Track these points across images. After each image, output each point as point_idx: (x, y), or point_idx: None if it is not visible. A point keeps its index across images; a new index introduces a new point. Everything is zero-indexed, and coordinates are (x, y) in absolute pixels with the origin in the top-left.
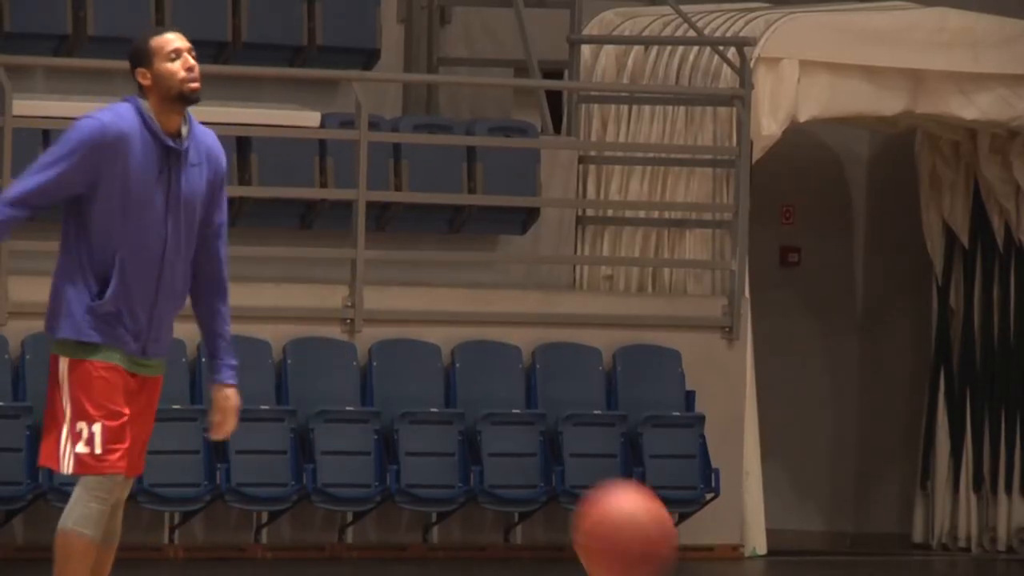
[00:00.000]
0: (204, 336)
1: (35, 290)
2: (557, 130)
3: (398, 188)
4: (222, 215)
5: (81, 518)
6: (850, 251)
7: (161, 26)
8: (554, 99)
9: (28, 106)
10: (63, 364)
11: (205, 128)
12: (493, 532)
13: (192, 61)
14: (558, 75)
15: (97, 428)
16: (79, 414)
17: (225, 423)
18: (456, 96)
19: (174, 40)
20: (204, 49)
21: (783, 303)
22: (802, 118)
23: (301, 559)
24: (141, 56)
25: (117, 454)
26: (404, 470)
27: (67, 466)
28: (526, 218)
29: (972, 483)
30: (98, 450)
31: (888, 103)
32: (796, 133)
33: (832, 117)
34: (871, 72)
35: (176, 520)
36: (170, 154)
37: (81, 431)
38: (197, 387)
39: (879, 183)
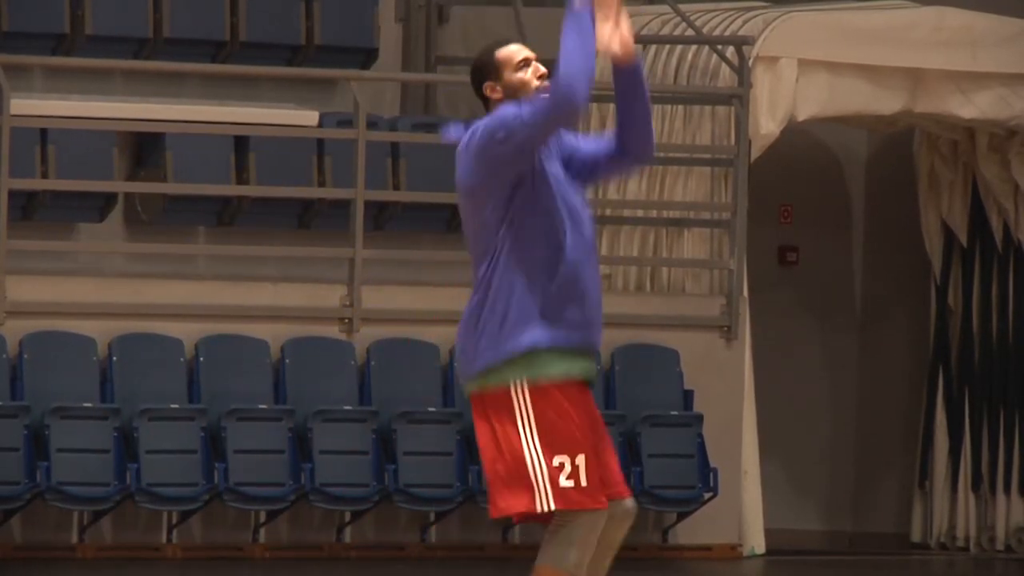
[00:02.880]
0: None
1: (34, 290)
2: None
3: (396, 187)
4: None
5: (573, 562)
6: (849, 250)
7: (500, 39)
8: None
9: (26, 105)
10: (520, 390)
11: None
12: (491, 531)
13: (543, 69)
14: None
15: (581, 460)
16: (554, 446)
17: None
18: (454, 95)
19: (521, 50)
20: (202, 48)
21: (781, 302)
22: (800, 117)
23: (299, 559)
24: (488, 70)
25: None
26: (402, 469)
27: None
28: None
29: (970, 483)
30: (584, 482)
31: (886, 102)
32: (794, 132)
33: (830, 116)
34: (870, 71)
35: (174, 520)
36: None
37: (562, 464)
38: (195, 386)
39: (877, 182)
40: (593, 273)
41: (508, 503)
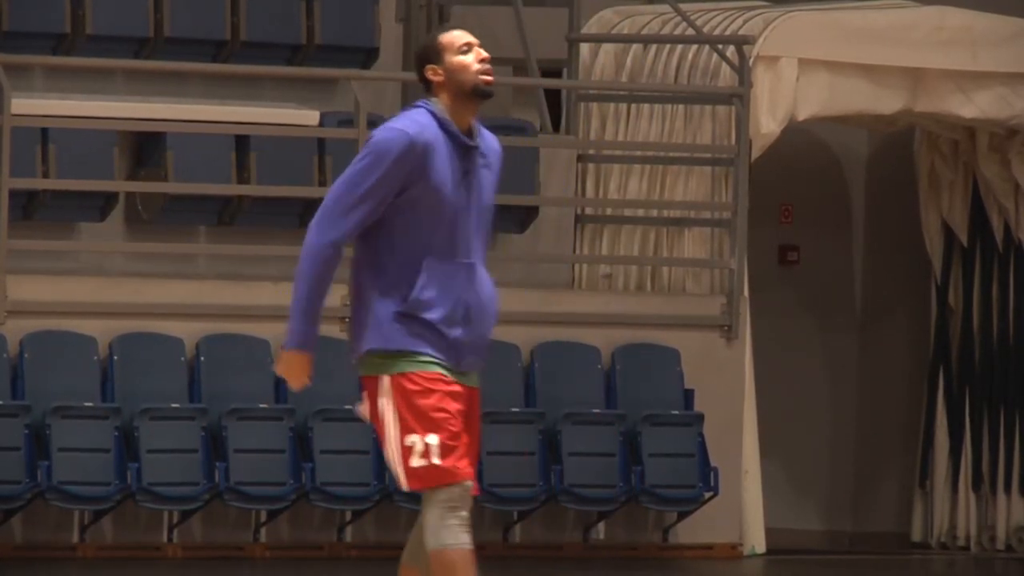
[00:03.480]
0: None
1: (34, 289)
2: (556, 129)
3: None
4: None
5: (442, 532)
6: (849, 250)
7: (446, 26)
8: (553, 98)
9: (27, 105)
10: (384, 381)
11: (483, 126)
12: (492, 531)
13: (485, 54)
14: (557, 74)
15: (434, 439)
16: (409, 427)
17: None
18: None
19: (464, 35)
20: (202, 48)
21: (782, 302)
22: (801, 117)
23: (300, 558)
24: (431, 53)
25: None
26: None
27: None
28: (525, 217)
29: (971, 482)
30: (435, 460)
31: (887, 102)
32: (795, 132)
33: (831, 116)
34: (870, 71)
35: (175, 519)
36: (470, 154)
37: (413, 444)
38: (196, 386)
39: (878, 182)
40: (466, 294)
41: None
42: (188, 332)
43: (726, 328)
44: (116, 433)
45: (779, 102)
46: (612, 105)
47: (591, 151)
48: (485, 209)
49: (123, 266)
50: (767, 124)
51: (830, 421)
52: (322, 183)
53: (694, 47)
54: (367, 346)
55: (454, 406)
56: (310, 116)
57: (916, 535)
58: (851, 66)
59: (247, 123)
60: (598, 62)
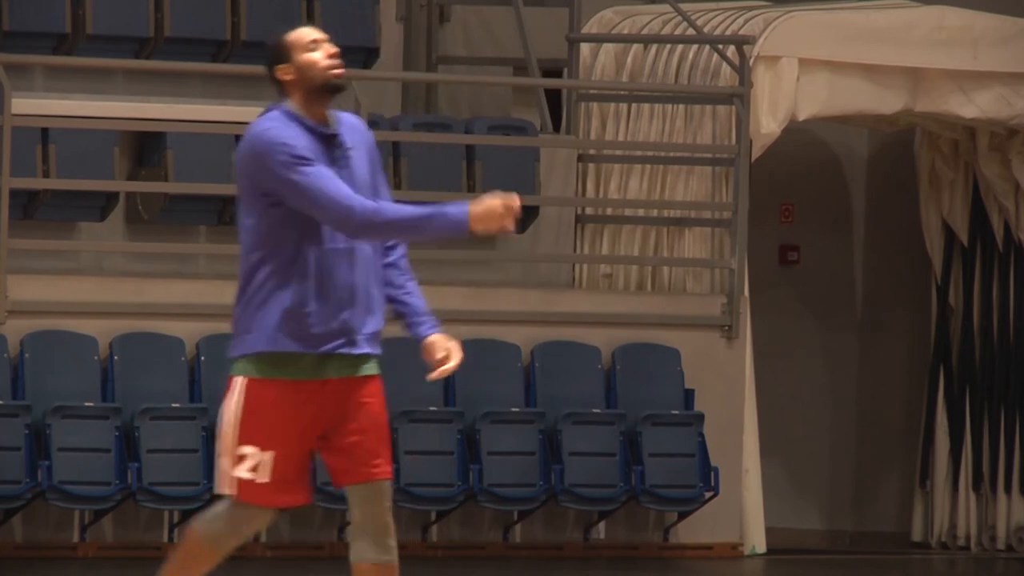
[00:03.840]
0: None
1: (34, 289)
2: (556, 128)
3: (397, 186)
4: (384, 185)
5: (214, 531)
6: (849, 250)
7: (292, 25)
8: (553, 97)
9: (27, 105)
10: (238, 384)
11: (340, 112)
12: (492, 531)
13: (333, 48)
14: (557, 73)
15: (268, 457)
16: (246, 437)
17: (452, 354)
18: (455, 95)
19: (311, 32)
20: (202, 48)
21: (782, 302)
22: (801, 116)
23: (301, 558)
24: (279, 52)
25: (277, 485)
26: (403, 469)
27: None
28: (525, 216)
29: (971, 482)
30: (262, 479)
31: (887, 101)
32: (795, 131)
33: (831, 115)
34: (870, 70)
35: (175, 519)
36: (332, 144)
37: (244, 456)
38: (196, 386)
39: (878, 182)
40: (347, 289)
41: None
42: (188, 332)
43: (726, 328)
44: (116, 433)
45: (779, 102)
46: (612, 105)
47: (591, 151)
48: (364, 187)
49: (123, 266)
50: (767, 124)
51: (830, 421)
52: None
53: (694, 47)
54: (238, 351)
55: (303, 422)
56: None
57: (916, 535)
58: (851, 66)
59: (247, 123)
60: (598, 62)
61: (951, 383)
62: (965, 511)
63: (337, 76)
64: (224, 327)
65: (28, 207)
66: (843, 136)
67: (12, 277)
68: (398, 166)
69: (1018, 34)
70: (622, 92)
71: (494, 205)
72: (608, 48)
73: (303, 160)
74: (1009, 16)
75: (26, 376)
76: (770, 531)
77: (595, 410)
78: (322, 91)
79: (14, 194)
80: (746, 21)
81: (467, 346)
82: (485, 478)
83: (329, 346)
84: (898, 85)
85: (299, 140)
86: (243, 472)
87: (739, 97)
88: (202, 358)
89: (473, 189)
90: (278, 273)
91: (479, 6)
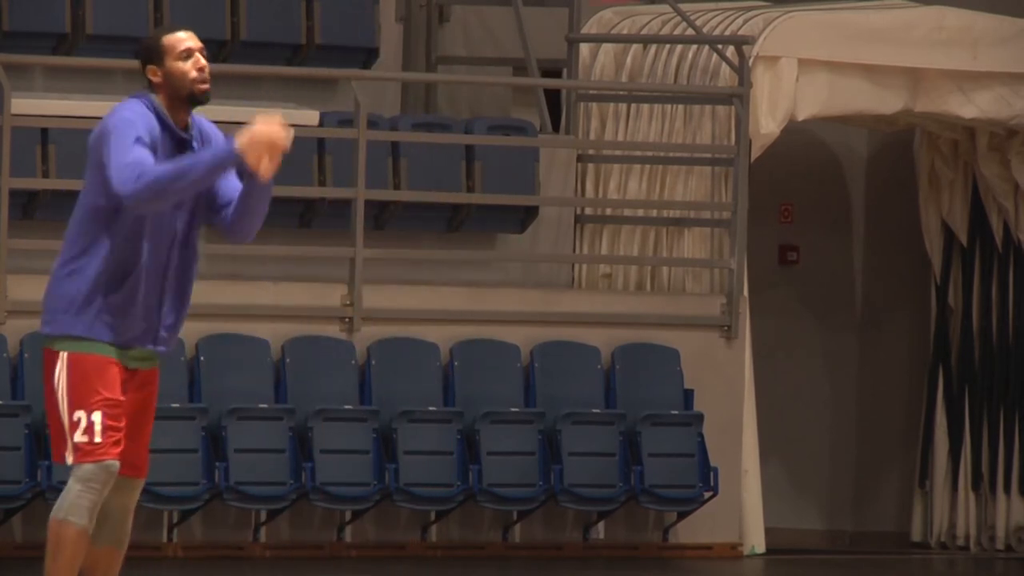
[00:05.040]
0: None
1: (34, 289)
2: (556, 129)
3: (397, 187)
4: (228, 187)
5: (74, 507)
6: (849, 250)
7: (173, 24)
8: (553, 98)
9: (27, 105)
10: (61, 358)
11: (197, 116)
12: (492, 531)
13: (203, 61)
14: (557, 74)
15: (97, 416)
16: (77, 403)
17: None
18: (455, 95)
19: (186, 39)
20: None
21: (782, 302)
22: (801, 117)
23: (300, 558)
24: (152, 53)
25: (112, 440)
26: (403, 469)
27: (69, 457)
28: (525, 217)
29: (971, 482)
30: (97, 439)
31: (887, 102)
32: (795, 132)
33: (831, 116)
34: (870, 71)
35: (175, 519)
36: (183, 146)
37: (79, 420)
38: (196, 386)
39: (878, 182)
40: (158, 287)
41: (55, 452)
42: (188, 332)
43: (726, 328)
44: None
45: (779, 102)
46: (612, 105)
47: (591, 151)
48: (203, 195)
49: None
50: (767, 124)
51: (830, 421)
52: (322, 183)
53: (694, 47)
54: (52, 330)
55: (118, 391)
56: (310, 116)
57: (916, 535)
58: (851, 66)
59: (247, 123)
60: (598, 62)
61: (950, 383)
62: (964, 511)
63: (201, 91)
64: (221, 327)
65: (28, 207)
66: (843, 136)
67: (12, 277)
68: (398, 166)
69: (1018, 34)
70: (621, 92)
71: (260, 131)
72: (607, 48)
73: (135, 135)
74: (1009, 16)
75: (26, 376)
76: (770, 531)
77: (595, 410)
78: (185, 101)
79: (14, 194)
80: (745, 21)
81: (467, 346)
82: (485, 478)
83: (133, 339)
84: (898, 85)
85: (145, 123)
86: (79, 436)
87: (738, 97)
88: (201, 358)
89: (473, 189)
90: (96, 259)
91: (479, 6)
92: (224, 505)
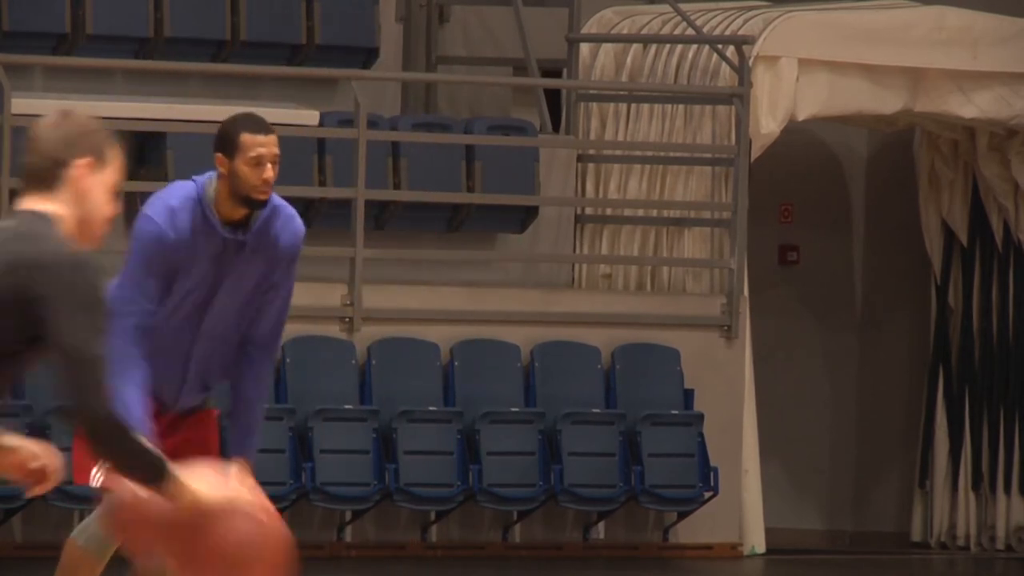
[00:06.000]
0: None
1: None
2: (556, 129)
3: (397, 187)
4: (280, 299)
5: (93, 538)
6: (849, 250)
7: (253, 116)
8: (553, 98)
9: (27, 105)
10: None
11: (284, 208)
12: (492, 531)
13: (271, 172)
14: (557, 74)
15: None
16: None
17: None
18: (455, 95)
19: (263, 145)
20: (202, 48)
21: (782, 302)
22: (801, 116)
23: (300, 557)
24: (226, 144)
25: None
26: (403, 469)
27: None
28: (525, 217)
29: (971, 482)
30: None
31: (887, 102)
32: (795, 132)
33: (831, 115)
34: (870, 71)
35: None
36: (225, 244)
37: None
38: None
39: (878, 182)
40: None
41: (80, 474)
42: None
43: (726, 328)
44: None
45: (779, 102)
46: (612, 105)
47: (591, 151)
48: (236, 295)
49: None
50: (767, 124)
51: (830, 421)
52: (322, 183)
53: (694, 47)
54: None
55: (151, 422)
56: (310, 116)
57: (916, 535)
58: (851, 66)
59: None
60: (598, 62)
61: (950, 383)
62: (964, 511)
63: (259, 200)
64: None
65: None
66: (843, 136)
67: None
68: (398, 166)
69: (1018, 34)
70: (622, 92)
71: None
72: (608, 48)
73: (141, 261)
74: (1009, 16)
75: (25, 376)
76: (770, 531)
77: (595, 410)
78: (241, 201)
79: (14, 194)
80: (745, 21)
81: (467, 346)
82: (485, 478)
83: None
84: (898, 85)
85: (172, 238)
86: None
87: (739, 97)
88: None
89: (472, 189)
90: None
91: (479, 6)
92: None
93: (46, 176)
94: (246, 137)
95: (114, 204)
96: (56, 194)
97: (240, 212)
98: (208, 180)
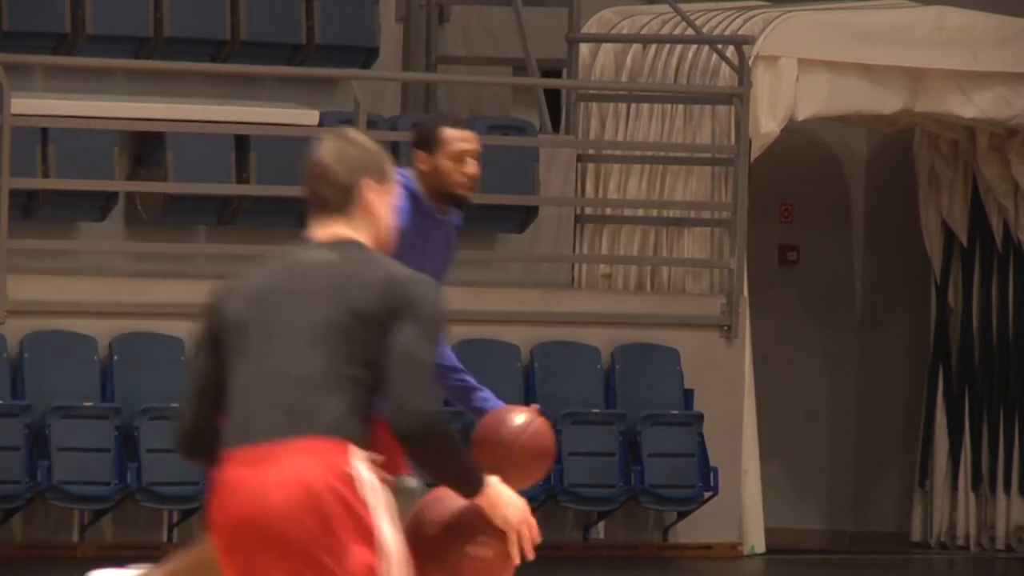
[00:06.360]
0: None
1: (34, 289)
2: (555, 129)
3: None
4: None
5: None
6: (849, 250)
7: (454, 115)
8: (552, 97)
9: (27, 105)
10: None
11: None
12: None
13: (474, 168)
14: (556, 73)
15: None
16: None
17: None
18: (455, 95)
19: (465, 140)
20: (202, 48)
21: (782, 302)
22: (801, 116)
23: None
24: (426, 140)
25: None
26: None
27: None
28: (524, 216)
29: (971, 482)
30: None
31: (887, 102)
32: (795, 131)
33: (831, 115)
34: (870, 70)
35: (175, 519)
36: (445, 228)
37: None
38: None
39: (878, 182)
40: None
41: None
42: (188, 331)
43: (726, 328)
44: (116, 433)
45: (779, 102)
46: (612, 105)
47: (591, 151)
48: (438, 271)
49: (123, 266)
50: (767, 124)
51: (830, 421)
52: None
53: (694, 47)
54: None
55: None
56: (310, 116)
57: (916, 535)
58: (851, 66)
59: (247, 123)
60: (598, 62)
61: (950, 383)
62: (964, 511)
63: (463, 197)
64: None
65: (28, 207)
66: (842, 136)
67: (12, 277)
68: (398, 166)
69: (1018, 34)
70: (621, 92)
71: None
72: (607, 48)
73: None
74: (1009, 16)
75: (26, 376)
76: (770, 531)
77: (594, 410)
78: (444, 198)
79: (14, 194)
80: (745, 21)
81: (467, 346)
82: None
83: None
84: (898, 85)
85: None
86: None
87: (738, 97)
88: None
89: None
90: None
91: (479, 6)
92: None
93: (340, 202)
94: (448, 132)
95: (394, 217)
96: (351, 218)
97: (440, 206)
98: (407, 174)
